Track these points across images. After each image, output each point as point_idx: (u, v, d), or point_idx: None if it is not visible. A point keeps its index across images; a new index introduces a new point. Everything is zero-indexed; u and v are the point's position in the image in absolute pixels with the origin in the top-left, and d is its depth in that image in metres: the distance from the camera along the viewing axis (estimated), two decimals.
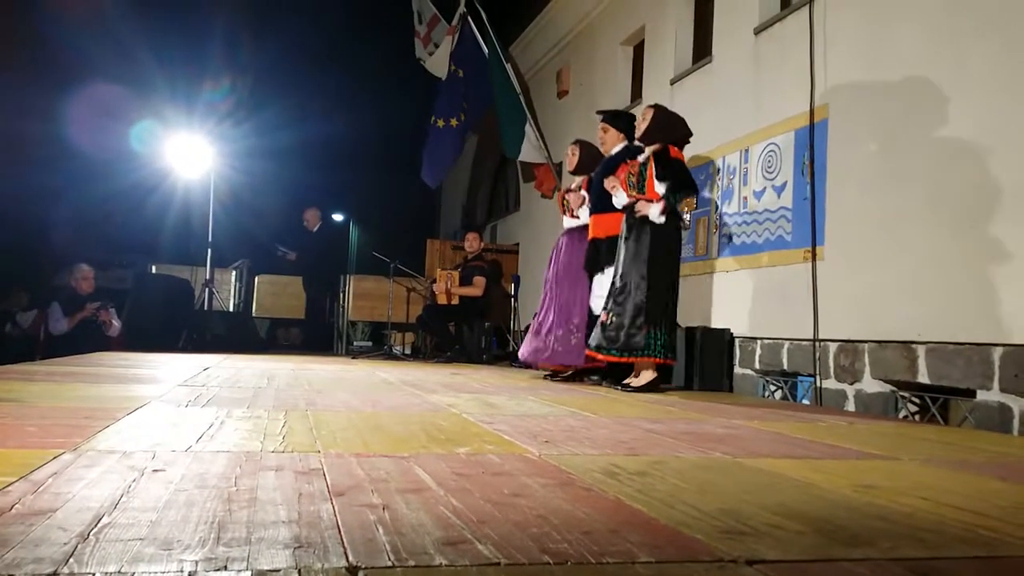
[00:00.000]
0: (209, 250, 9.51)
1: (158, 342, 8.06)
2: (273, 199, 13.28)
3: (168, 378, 4.38)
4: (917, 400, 4.50)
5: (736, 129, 6.16)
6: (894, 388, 4.56)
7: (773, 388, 5.64)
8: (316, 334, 10.61)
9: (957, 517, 1.56)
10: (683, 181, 5.00)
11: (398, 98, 14.58)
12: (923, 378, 4.28)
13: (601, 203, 5.50)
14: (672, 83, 7.32)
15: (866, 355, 4.70)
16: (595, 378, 5.66)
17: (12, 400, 2.91)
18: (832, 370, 4.96)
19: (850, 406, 4.78)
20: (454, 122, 9.86)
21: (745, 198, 6.00)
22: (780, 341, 5.48)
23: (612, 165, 5.50)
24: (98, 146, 10.20)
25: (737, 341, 5.91)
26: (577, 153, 6.09)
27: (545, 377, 5.95)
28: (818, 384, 5.04)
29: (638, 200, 5.07)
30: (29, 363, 5.79)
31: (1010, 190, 3.86)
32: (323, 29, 13.83)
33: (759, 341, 5.70)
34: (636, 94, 8.29)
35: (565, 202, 6.10)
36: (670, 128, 5.17)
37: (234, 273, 10.97)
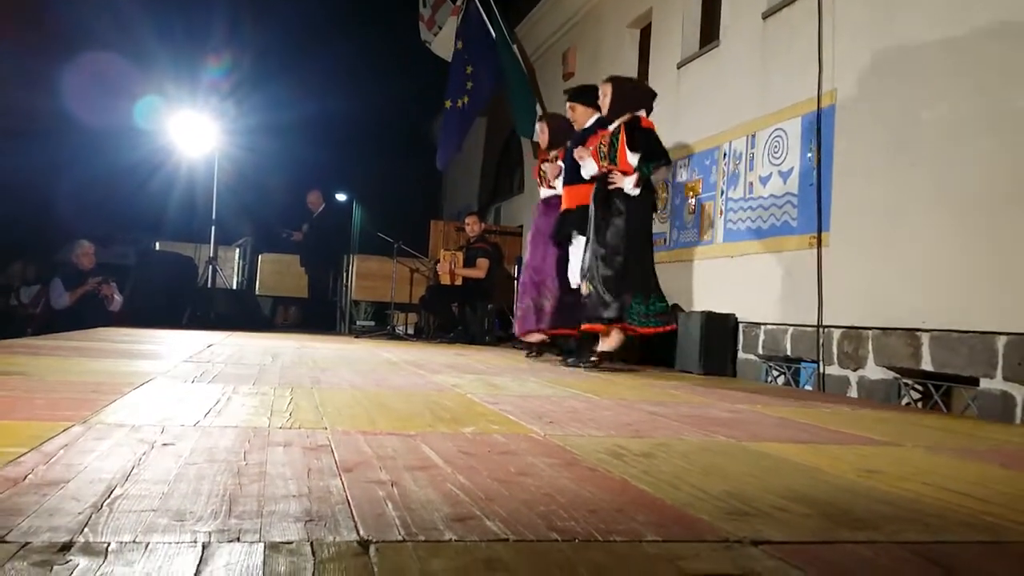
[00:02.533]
0: (213, 227, 9.51)
1: (161, 318, 8.08)
2: (277, 177, 13.27)
3: (173, 354, 4.39)
4: (920, 387, 4.51)
5: (743, 114, 6.14)
6: (897, 375, 4.57)
7: (776, 373, 5.65)
8: (319, 313, 10.63)
9: (961, 503, 1.57)
10: (655, 151, 4.99)
11: (402, 77, 14.52)
12: (927, 365, 4.28)
13: (573, 175, 5.51)
14: (679, 67, 7.28)
15: (870, 342, 4.70)
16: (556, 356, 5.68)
17: (19, 373, 2.93)
18: (835, 356, 4.96)
19: (853, 392, 4.79)
20: (459, 103, 9.85)
21: (751, 183, 5.99)
22: (784, 327, 5.48)
23: (585, 137, 5.52)
24: (102, 121, 10.18)
25: (741, 326, 5.92)
26: (546, 130, 6.10)
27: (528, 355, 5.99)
28: (821, 370, 5.05)
29: (611, 171, 5.06)
30: (32, 338, 5.81)
31: (1018, 177, 3.85)
32: (326, 7, 13.77)
33: (762, 326, 5.70)
34: (643, 77, 8.24)
35: (542, 173, 6.12)
36: (634, 98, 5.17)
37: (237, 251, 10.98)
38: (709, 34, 7.09)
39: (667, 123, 7.31)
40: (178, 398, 2.50)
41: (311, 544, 1.06)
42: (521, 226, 11.33)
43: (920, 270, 4.37)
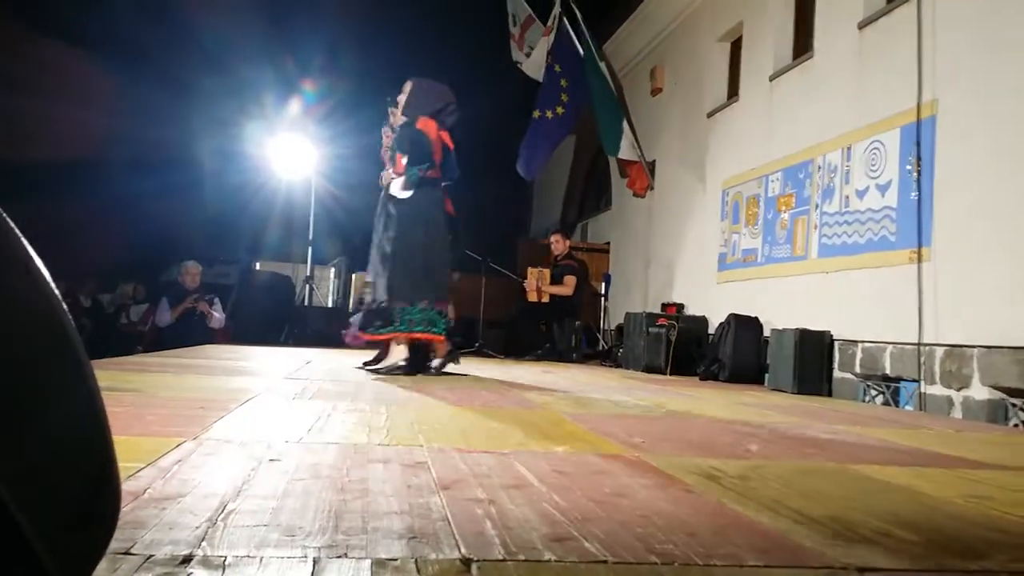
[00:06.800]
0: (310, 248, 9.80)
1: (261, 336, 8.36)
2: (370, 198, 13.57)
3: (273, 371, 4.54)
4: None
5: (838, 126, 6.00)
6: (1004, 395, 4.37)
7: (874, 393, 5.48)
8: None
9: None
10: (417, 153, 4.83)
11: (488, 97, 14.69)
12: None
13: None
14: (771, 79, 7.18)
15: (974, 360, 4.52)
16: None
17: (132, 390, 3.08)
18: (937, 375, 4.79)
19: (956, 413, 4.60)
20: (549, 114, 9.85)
21: (847, 197, 5.85)
22: (882, 345, 5.32)
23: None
24: (209, 148, 10.64)
25: (836, 344, 5.76)
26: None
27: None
28: (922, 390, 4.87)
29: (390, 173, 4.98)
30: (142, 355, 6.09)
31: None
32: (416, 30, 14.06)
33: (860, 344, 5.54)
34: (733, 91, 8.16)
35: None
36: (424, 100, 5.03)
37: (332, 270, 11.27)
38: (802, 45, 6.97)
39: (759, 136, 7.22)
40: (281, 415, 2.59)
41: (415, 561, 1.09)
42: (608, 243, 11.30)
43: None
